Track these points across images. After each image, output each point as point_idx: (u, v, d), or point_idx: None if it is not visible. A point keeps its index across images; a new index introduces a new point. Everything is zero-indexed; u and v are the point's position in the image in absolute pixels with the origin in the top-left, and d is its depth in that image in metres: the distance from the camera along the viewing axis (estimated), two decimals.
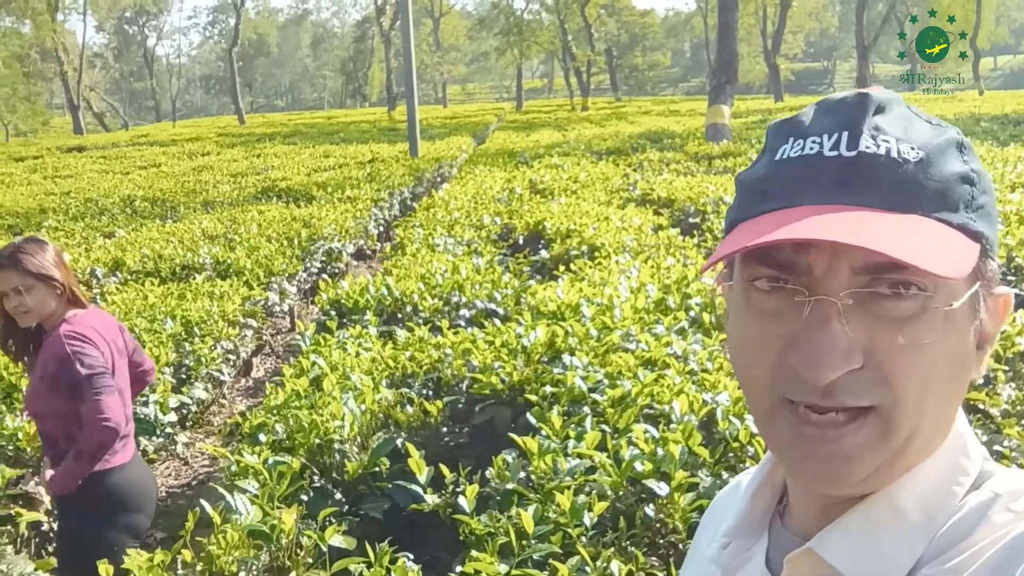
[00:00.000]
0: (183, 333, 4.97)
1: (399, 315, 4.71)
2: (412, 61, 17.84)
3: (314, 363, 3.61)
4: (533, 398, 3.01)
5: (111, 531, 2.83)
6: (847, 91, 0.70)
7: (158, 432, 4.21)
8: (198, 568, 2.10)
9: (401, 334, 4.13)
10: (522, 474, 2.51)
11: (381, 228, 10.68)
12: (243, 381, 6.41)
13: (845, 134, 0.64)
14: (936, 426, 0.66)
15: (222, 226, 8.75)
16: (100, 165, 22.17)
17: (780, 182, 0.66)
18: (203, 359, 4.86)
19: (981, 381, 2.65)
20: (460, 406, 3.36)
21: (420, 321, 4.47)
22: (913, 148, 0.64)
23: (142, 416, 4.08)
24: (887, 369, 0.62)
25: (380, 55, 61.34)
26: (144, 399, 4.15)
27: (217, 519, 2.16)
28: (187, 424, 4.90)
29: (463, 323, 4.47)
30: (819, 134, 0.66)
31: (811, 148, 0.65)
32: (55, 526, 3.31)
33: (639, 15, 69.16)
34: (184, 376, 4.77)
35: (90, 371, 2.73)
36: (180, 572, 2.14)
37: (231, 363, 5.37)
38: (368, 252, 10.42)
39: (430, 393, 3.51)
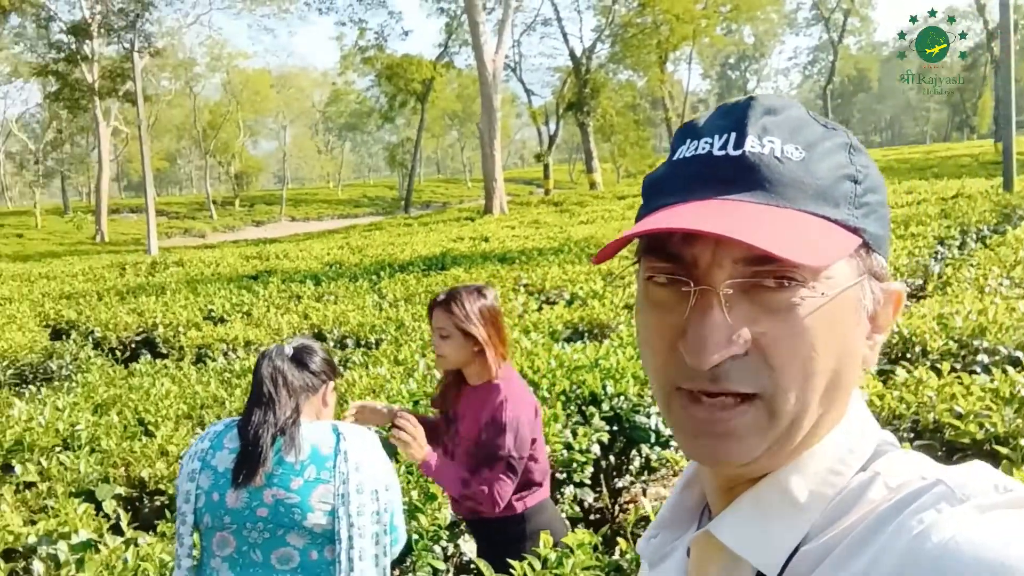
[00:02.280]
0: None
1: (907, 354, 4.42)
2: (1012, 88, 16.06)
3: None
4: (1003, 450, 2.66)
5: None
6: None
7: None
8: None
9: (901, 374, 3.90)
10: None
11: (940, 265, 9.86)
12: None
13: (733, 135, 0.68)
14: (824, 411, 0.67)
15: None
16: None
17: (674, 180, 0.71)
18: None
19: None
20: (938, 454, 3.09)
21: (928, 363, 4.15)
22: (798, 148, 0.67)
23: None
24: (769, 356, 0.64)
25: (991, 83, 55.87)
26: None
27: None
28: None
29: (978, 369, 4.04)
30: (711, 135, 0.69)
31: (703, 148, 0.69)
32: None
33: None
34: None
35: (515, 454, 2.66)
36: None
37: None
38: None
39: (912, 436, 3.29)
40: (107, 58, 35.90)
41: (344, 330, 7.72)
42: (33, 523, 3.60)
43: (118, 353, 8.11)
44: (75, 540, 3.30)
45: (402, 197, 58.84)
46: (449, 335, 2.74)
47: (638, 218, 0.73)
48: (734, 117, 0.69)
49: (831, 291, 0.65)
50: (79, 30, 34.67)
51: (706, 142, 0.69)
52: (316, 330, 7.79)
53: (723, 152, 0.68)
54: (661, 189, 0.71)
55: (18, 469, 4.25)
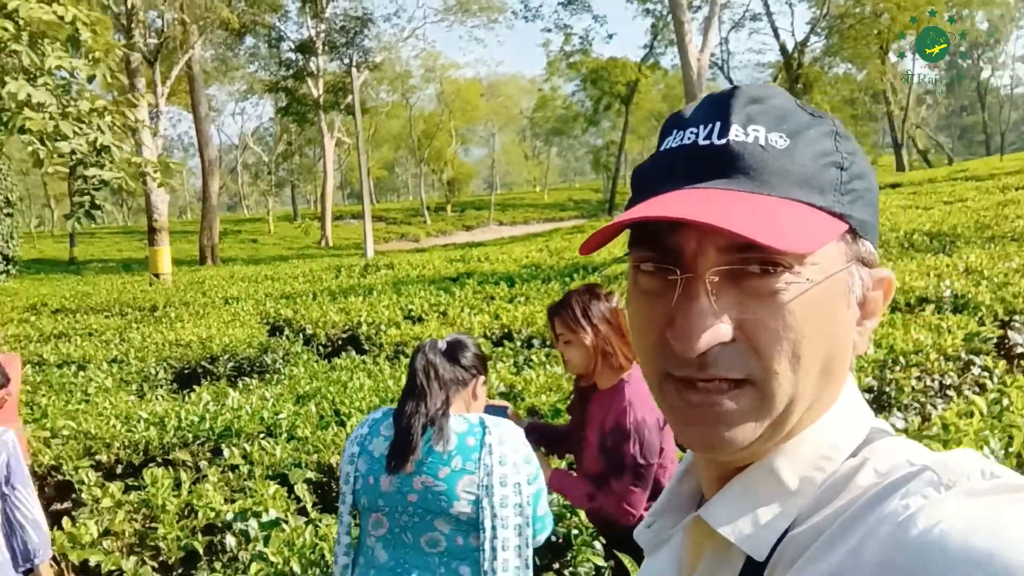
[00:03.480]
0: (889, 361, 4.99)
1: None
2: None
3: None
4: None
5: None
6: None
7: None
8: None
9: None
10: None
11: None
12: None
13: (717, 124, 0.69)
14: (815, 397, 0.68)
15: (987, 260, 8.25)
16: (906, 200, 22.49)
17: (659, 171, 0.71)
18: (904, 388, 4.81)
19: None
20: None
21: None
22: (782, 136, 0.67)
23: None
24: (756, 343, 0.65)
25: None
26: None
27: None
28: None
29: None
30: (696, 125, 0.70)
31: (688, 138, 0.70)
32: None
33: None
34: (885, 403, 4.79)
35: (641, 460, 2.56)
36: None
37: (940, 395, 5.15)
38: None
39: None
40: (330, 74, 38.42)
41: (531, 331, 7.87)
42: (232, 501, 3.95)
43: (324, 349, 8.69)
44: (265, 519, 3.60)
45: (606, 200, 59.00)
46: (569, 340, 2.71)
47: (626, 209, 0.74)
48: (719, 107, 0.70)
49: (817, 277, 0.65)
50: (305, 48, 37.33)
51: (691, 132, 0.70)
52: (505, 330, 8.00)
53: (708, 141, 0.68)
54: (648, 180, 0.73)
55: (226, 453, 4.67)
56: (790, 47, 44.03)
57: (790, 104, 0.70)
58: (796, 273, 0.64)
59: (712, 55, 36.09)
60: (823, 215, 0.67)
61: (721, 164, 0.67)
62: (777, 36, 44.82)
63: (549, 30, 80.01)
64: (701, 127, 0.69)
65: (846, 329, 0.69)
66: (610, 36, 69.63)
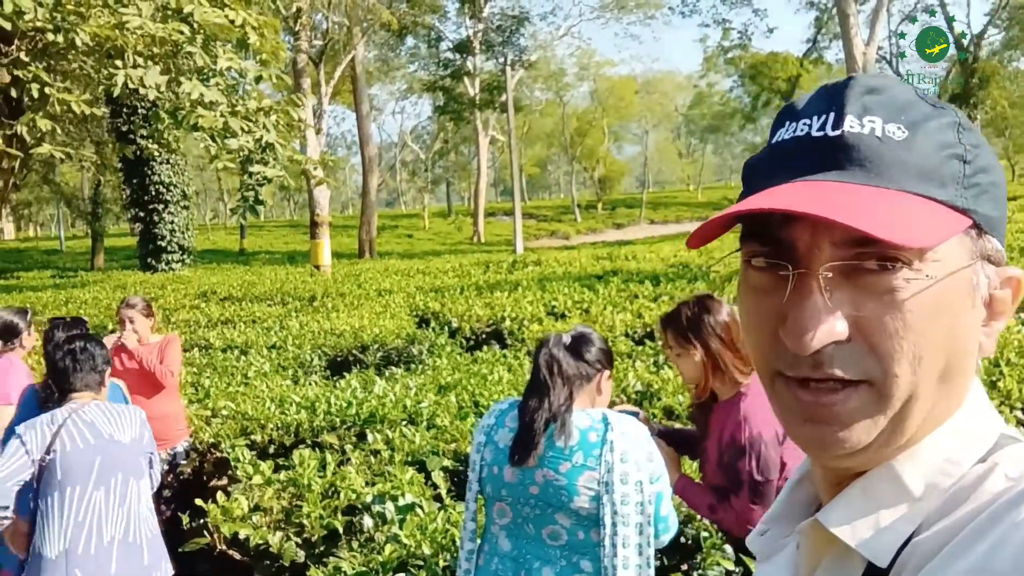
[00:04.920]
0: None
1: None
2: None
3: None
4: None
5: None
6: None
7: None
8: None
9: None
10: None
11: None
12: None
13: (832, 115, 0.66)
14: (937, 400, 0.65)
15: None
16: None
17: (772, 163, 0.70)
18: None
19: None
20: None
21: None
22: (900, 128, 0.65)
23: None
24: (874, 342, 0.63)
25: None
26: None
27: None
28: None
29: None
30: (809, 116, 0.68)
31: (802, 130, 0.68)
32: None
33: None
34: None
35: (759, 477, 2.49)
36: None
37: None
38: None
39: None
40: (486, 72, 39.09)
41: None
42: (372, 484, 4.11)
43: (467, 342, 8.88)
44: (401, 502, 3.74)
45: None
46: (680, 353, 2.66)
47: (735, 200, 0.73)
48: (833, 97, 0.68)
49: (938, 274, 0.63)
50: (463, 47, 38.14)
51: (804, 123, 0.68)
52: (648, 329, 7.93)
53: (821, 133, 0.67)
54: (759, 172, 0.71)
55: (369, 438, 4.86)
56: (966, 40, 41.42)
57: (910, 94, 0.68)
58: (916, 270, 0.62)
59: (879, 49, 34.41)
60: (944, 209, 0.64)
61: (835, 156, 0.65)
62: (951, 28, 42.22)
63: (707, 25, 78.53)
64: (814, 118, 0.68)
65: (970, 330, 0.66)
66: (770, 30, 67.05)
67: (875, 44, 30.53)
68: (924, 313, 0.62)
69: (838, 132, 0.66)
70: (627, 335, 7.86)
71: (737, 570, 3.26)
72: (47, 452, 3.14)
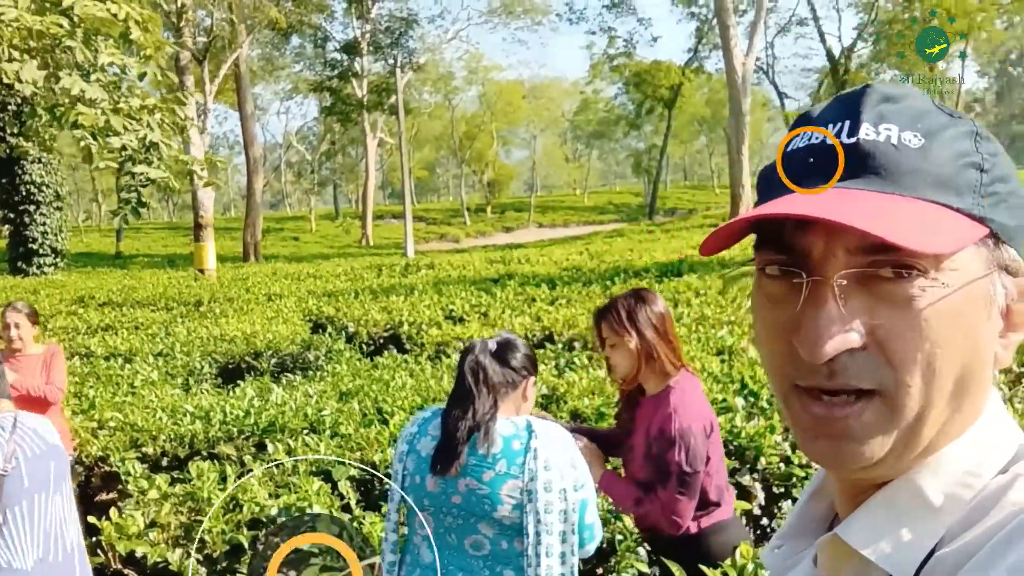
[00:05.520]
0: None
1: None
2: None
3: None
4: None
5: None
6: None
7: None
8: None
9: None
10: None
11: None
12: None
13: (847, 123, 0.66)
14: (953, 411, 0.64)
15: None
16: None
17: (786, 171, 0.69)
18: None
19: None
20: None
21: None
22: (916, 136, 0.64)
23: None
24: (888, 351, 0.62)
25: None
26: None
27: None
28: None
29: None
30: (824, 124, 0.68)
31: (816, 138, 0.67)
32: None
33: None
34: None
35: (687, 468, 2.52)
36: None
37: None
38: None
39: None
40: (374, 74, 38.75)
41: (572, 333, 7.84)
42: (277, 496, 3.98)
43: (366, 347, 8.75)
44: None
45: (647, 204, 58.76)
46: (615, 344, 2.68)
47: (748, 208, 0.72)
48: (848, 105, 0.68)
49: (955, 283, 0.62)
50: (350, 48, 37.72)
51: (819, 132, 0.68)
52: (547, 332, 7.99)
53: (837, 141, 0.66)
54: (772, 181, 0.70)
55: (270, 448, 4.71)
56: (837, 52, 43.55)
57: (926, 104, 0.67)
58: (932, 278, 0.61)
59: (757, 60, 35.77)
60: (961, 217, 0.63)
61: (850, 163, 0.65)
62: (823, 41, 44.36)
63: (593, 33, 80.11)
64: (830, 126, 0.67)
65: (987, 341, 0.65)
66: (654, 39, 68.96)
67: (754, 55, 31.73)
68: (940, 322, 0.62)
69: (853, 140, 0.65)
70: (527, 338, 7.89)
71: (651, 571, 3.30)
72: (8, 461, 2.93)
